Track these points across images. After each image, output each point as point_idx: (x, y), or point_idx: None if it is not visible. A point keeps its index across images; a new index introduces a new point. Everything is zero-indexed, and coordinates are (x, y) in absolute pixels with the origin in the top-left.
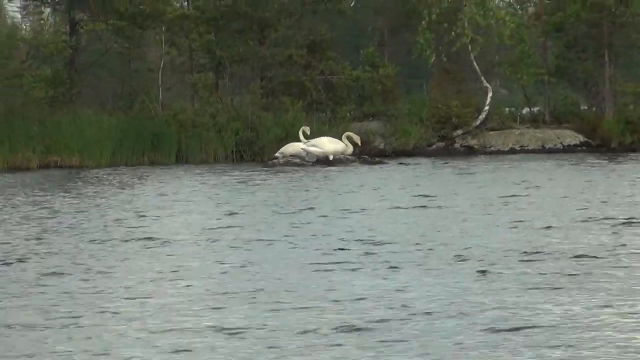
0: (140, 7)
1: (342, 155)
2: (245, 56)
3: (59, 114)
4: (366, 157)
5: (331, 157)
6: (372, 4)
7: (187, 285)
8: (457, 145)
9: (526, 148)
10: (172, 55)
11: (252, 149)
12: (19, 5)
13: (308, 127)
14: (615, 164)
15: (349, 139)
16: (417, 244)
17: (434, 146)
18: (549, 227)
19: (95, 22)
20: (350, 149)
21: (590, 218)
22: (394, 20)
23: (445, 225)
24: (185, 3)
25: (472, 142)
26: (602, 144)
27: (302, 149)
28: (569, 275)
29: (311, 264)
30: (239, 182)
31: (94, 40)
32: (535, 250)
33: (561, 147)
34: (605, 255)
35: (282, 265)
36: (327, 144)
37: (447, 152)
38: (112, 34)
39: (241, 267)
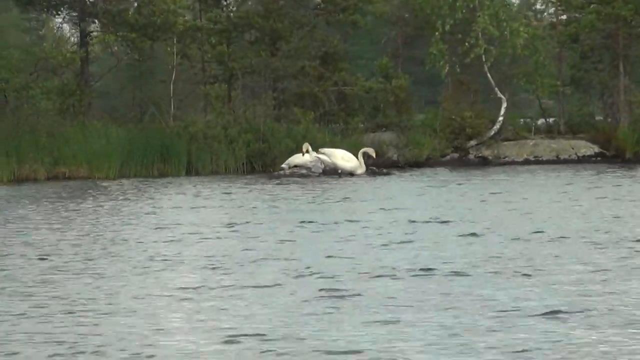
0: (152, 18)
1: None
2: (257, 67)
3: (67, 126)
4: (374, 168)
5: (340, 171)
6: (386, 15)
7: None
8: (471, 156)
9: (540, 159)
10: (184, 66)
11: (263, 160)
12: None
13: (306, 144)
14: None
15: (365, 155)
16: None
17: (448, 157)
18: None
19: (106, 34)
20: (363, 168)
21: None
22: (407, 32)
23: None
24: (199, 14)
25: (486, 152)
26: (616, 155)
27: (316, 155)
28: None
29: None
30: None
31: (105, 51)
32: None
33: (576, 158)
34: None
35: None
36: (340, 160)
37: (461, 163)
38: (123, 45)
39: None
